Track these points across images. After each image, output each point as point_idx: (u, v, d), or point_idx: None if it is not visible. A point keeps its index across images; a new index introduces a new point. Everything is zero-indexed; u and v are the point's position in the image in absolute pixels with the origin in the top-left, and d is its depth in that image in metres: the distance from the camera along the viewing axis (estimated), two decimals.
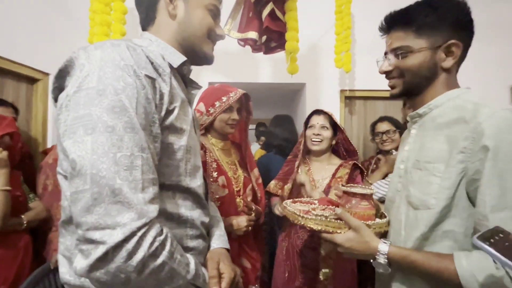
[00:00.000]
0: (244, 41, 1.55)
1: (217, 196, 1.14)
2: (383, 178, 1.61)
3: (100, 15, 1.32)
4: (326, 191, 1.30)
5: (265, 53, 1.65)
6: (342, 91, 2.33)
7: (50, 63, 1.89)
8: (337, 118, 2.29)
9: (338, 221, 0.72)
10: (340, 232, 0.69)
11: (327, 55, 2.17)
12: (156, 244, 0.47)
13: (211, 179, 1.14)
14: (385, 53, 0.73)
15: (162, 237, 0.49)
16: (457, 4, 0.66)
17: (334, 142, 1.39)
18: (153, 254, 0.47)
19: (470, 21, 0.67)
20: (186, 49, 0.64)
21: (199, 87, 0.71)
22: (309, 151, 1.42)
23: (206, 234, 0.69)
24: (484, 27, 2.19)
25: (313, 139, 1.33)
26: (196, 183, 0.64)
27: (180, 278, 0.52)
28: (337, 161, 1.39)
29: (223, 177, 1.16)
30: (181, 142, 0.59)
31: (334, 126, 1.37)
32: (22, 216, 1.27)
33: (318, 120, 1.34)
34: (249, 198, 1.27)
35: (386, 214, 0.78)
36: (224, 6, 0.77)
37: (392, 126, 1.69)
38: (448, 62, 0.66)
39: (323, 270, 1.25)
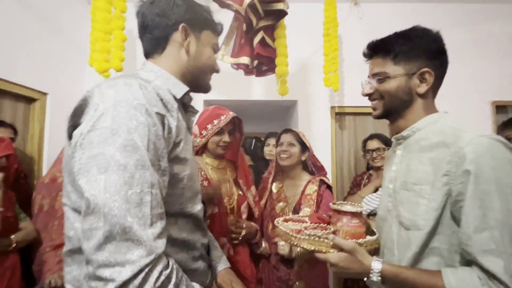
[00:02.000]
0: (237, 65, 1.63)
1: (207, 214, 1.18)
2: (374, 191, 1.67)
3: (101, 42, 1.38)
4: (297, 208, 1.38)
5: (257, 76, 1.73)
6: (332, 107, 2.42)
7: (48, 83, 1.94)
8: (328, 134, 2.40)
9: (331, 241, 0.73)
10: (333, 251, 0.70)
11: (316, 74, 2.26)
12: (162, 278, 0.48)
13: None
14: (368, 77, 0.79)
15: (168, 271, 0.50)
16: (431, 36, 0.72)
17: (303, 158, 1.47)
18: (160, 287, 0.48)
19: (443, 51, 0.73)
20: (190, 80, 0.69)
21: (196, 112, 0.75)
22: (282, 169, 1.51)
23: (206, 254, 0.73)
24: (467, 46, 2.35)
25: (281, 155, 1.44)
26: (197, 208, 0.67)
27: None
28: (307, 177, 1.48)
29: None
30: (185, 171, 0.62)
31: (303, 143, 1.47)
32: (12, 237, 1.28)
33: (285, 138, 1.46)
34: (244, 216, 1.31)
35: (375, 230, 0.81)
36: None
37: (382, 144, 1.76)
38: (422, 88, 0.71)
39: (297, 283, 1.29)
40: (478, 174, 0.59)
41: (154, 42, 0.68)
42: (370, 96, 0.78)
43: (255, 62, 1.58)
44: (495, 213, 0.58)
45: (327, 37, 1.97)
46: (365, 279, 0.69)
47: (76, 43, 2.12)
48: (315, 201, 1.37)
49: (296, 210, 1.38)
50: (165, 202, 0.57)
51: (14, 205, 1.38)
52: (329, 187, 1.44)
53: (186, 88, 0.67)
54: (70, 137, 0.55)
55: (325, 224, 0.86)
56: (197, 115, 0.84)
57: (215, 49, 0.73)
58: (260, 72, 1.71)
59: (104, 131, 0.49)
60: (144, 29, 0.68)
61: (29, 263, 1.39)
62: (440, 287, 0.60)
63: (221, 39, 1.70)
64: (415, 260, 0.67)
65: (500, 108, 2.35)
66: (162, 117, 0.57)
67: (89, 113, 0.52)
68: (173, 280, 0.51)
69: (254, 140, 2.79)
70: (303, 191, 1.42)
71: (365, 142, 1.89)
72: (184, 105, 0.71)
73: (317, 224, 0.87)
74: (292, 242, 0.76)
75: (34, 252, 1.38)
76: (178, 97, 0.65)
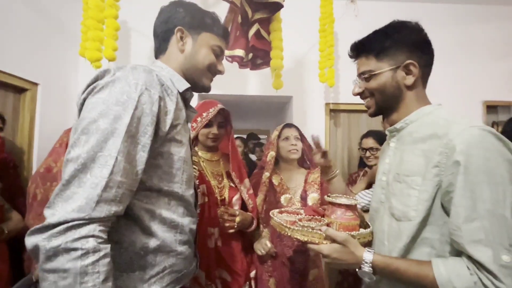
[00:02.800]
0: (232, 58, 1.62)
1: (198, 203, 1.18)
2: (367, 188, 1.68)
3: (93, 31, 1.36)
4: (303, 196, 1.41)
5: (251, 69, 1.73)
6: (327, 104, 2.43)
7: (39, 73, 1.90)
8: (322, 130, 2.41)
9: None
10: (326, 243, 0.71)
11: (312, 70, 2.27)
12: (77, 244, 0.47)
13: None
14: (357, 77, 0.80)
15: (89, 245, 0.48)
16: (409, 28, 0.74)
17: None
18: (67, 250, 0.47)
19: (425, 41, 0.74)
20: (188, 78, 0.76)
21: (195, 112, 0.82)
22: (278, 162, 1.52)
23: (193, 240, 0.75)
24: (460, 46, 2.38)
25: (291, 150, 1.46)
26: (189, 191, 0.71)
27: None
28: (302, 170, 1.53)
29: (205, 185, 1.21)
30: (181, 153, 0.68)
31: (303, 136, 1.51)
32: (2, 225, 1.26)
33: (291, 132, 1.48)
34: (236, 207, 1.31)
35: (369, 224, 0.81)
36: None
37: (377, 143, 1.76)
38: (409, 80, 0.72)
39: (312, 271, 1.31)
40: (468, 165, 0.59)
41: (159, 44, 0.78)
42: (361, 95, 0.80)
43: (250, 55, 1.58)
44: (485, 203, 0.58)
45: (323, 32, 1.97)
46: (357, 269, 0.69)
47: (69, 32, 2.09)
48: (320, 185, 1.43)
49: (303, 198, 1.41)
50: (161, 178, 0.63)
51: None
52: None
53: (187, 85, 0.74)
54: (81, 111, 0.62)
55: (320, 217, 0.86)
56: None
57: (216, 51, 0.78)
58: (255, 65, 1.71)
59: (97, 100, 0.57)
60: (155, 36, 0.78)
61: (18, 253, 1.37)
62: (430, 277, 0.60)
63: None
64: (406, 250, 0.68)
65: (490, 108, 2.39)
66: (159, 99, 0.62)
67: (96, 87, 0.59)
68: (88, 260, 0.48)
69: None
70: (305, 180, 1.46)
71: (361, 139, 1.89)
72: (186, 100, 0.76)
73: (312, 216, 0.88)
74: (286, 233, 0.77)
75: (23, 242, 1.36)
76: (180, 90, 0.72)
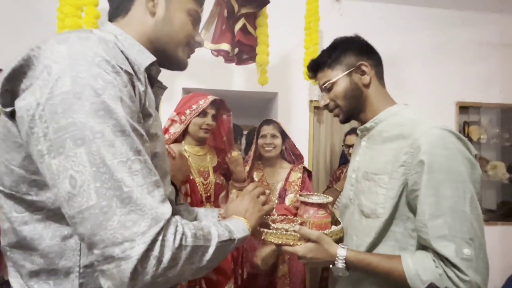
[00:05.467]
0: (217, 52, 1.61)
1: (180, 196, 1.17)
2: None
3: (71, 18, 1.29)
4: (281, 193, 1.44)
5: (237, 64, 1.72)
6: (311, 101, 2.47)
7: (11, 61, 1.79)
8: (306, 127, 2.45)
9: (298, 234, 0.73)
10: (300, 244, 0.72)
11: (297, 67, 2.29)
12: (178, 237, 0.46)
13: None
14: (321, 91, 0.86)
15: (180, 228, 0.47)
16: (353, 38, 0.83)
17: (283, 147, 1.54)
18: (179, 247, 0.45)
19: (368, 45, 0.82)
20: (158, 48, 0.60)
21: (164, 88, 0.66)
22: (261, 157, 1.55)
23: None
24: (433, 50, 2.49)
25: (266, 148, 1.48)
26: (167, 190, 0.63)
27: (210, 248, 0.51)
28: (286, 165, 1.55)
29: (187, 185, 1.19)
30: (156, 149, 0.57)
31: (283, 132, 1.52)
32: None
33: (268, 130, 1.49)
34: (222, 206, 1.30)
35: (340, 220, 0.84)
36: None
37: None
38: (366, 79, 0.78)
39: (281, 267, 1.34)
40: (431, 164, 0.62)
41: (118, 2, 0.59)
42: (328, 108, 0.84)
43: (236, 49, 1.57)
44: (447, 200, 0.61)
45: (308, 30, 1.99)
46: (331, 266, 0.71)
47: (46, 24, 1.97)
48: (299, 187, 1.45)
49: (281, 196, 1.44)
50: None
51: None
52: (309, 174, 1.52)
53: (153, 58, 0.57)
54: (4, 105, 0.46)
55: (292, 216, 0.87)
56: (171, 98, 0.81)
57: (194, 16, 0.62)
58: (240, 60, 1.71)
59: (65, 96, 0.41)
60: None
61: None
62: (400, 270, 0.64)
63: (201, 23, 1.68)
64: (373, 245, 0.71)
65: (462, 108, 2.54)
66: (131, 77, 0.48)
67: (40, 78, 0.42)
68: (189, 232, 0.48)
69: None
70: (287, 178, 1.48)
71: (345, 136, 1.95)
72: (151, 78, 0.60)
73: (284, 216, 0.88)
74: (259, 237, 0.76)
75: None
76: (143, 67, 0.55)
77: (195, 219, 0.85)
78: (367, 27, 2.41)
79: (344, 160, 2.32)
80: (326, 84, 0.81)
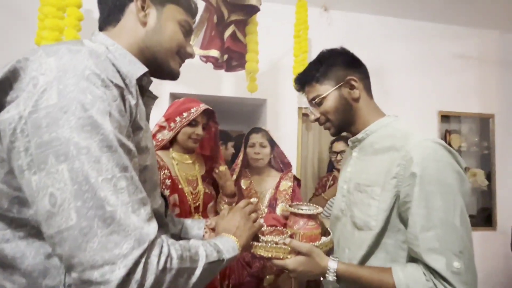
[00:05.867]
0: (206, 58, 1.59)
1: (169, 207, 1.12)
2: None
3: (52, 19, 1.23)
4: (272, 203, 1.42)
5: (226, 70, 1.71)
6: (299, 108, 2.48)
7: None
8: (295, 134, 2.46)
9: (288, 247, 0.72)
10: (291, 257, 0.71)
11: (286, 75, 2.30)
12: (163, 259, 0.43)
13: None
14: (310, 105, 0.85)
15: (166, 249, 0.45)
16: (339, 51, 0.82)
17: (272, 156, 1.53)
18: (164, 270, 0.43)
19: (355, 58, 0.82)
20: (149, 58, 0.60)
21: (155, 97, 0.66)
22: (248, 165, 1.53)
23: None
24: (416, 61, 2.58)
25: (254, 157, 1.46)
26: (157, 203, 0.62)
27: (196, 269, 0.49)
28: (274, 173, 1.53)
29: (176, 195, 1.14)
30: (146, 162, 0.56)
31: (271, 141, 1.51)
32: None
33: (257, 139, 1.48)
34: (211, 216, 1.27)
35: (330, 230, 0.83)
36: None
37: (347, 147, 1.84)
38: (355, 94, 0.78)
39: (268, 277, 1.32)
40: (423, 176, 0.63)
41: (108, 12, 0.58)
42: (318, 121, 0.83)
43: (225, 56, 1.56)
44: (438, 212, 0.62)
45: (298, 38, 2.01)
46: (321, 278, 0.70)
47: (25, 24, 1.88)
48: (290, 196, 1.44)
49: (272, 206, 1.41)
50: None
51: None
52: (299, 182, 1.52)
53: (144, 68, 0.57)
54: None
55: (281, 227, 0.85)
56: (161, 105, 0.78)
57: (185, 27, 0.63)
58: (229, 67, 1.69)
59: (51, 110, 0.40)
60: (103, 2, 0.60)
61: None
62: (391, 284, 0.63)
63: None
64: (365, 258, 0.71)
65: (444, 117, 2.63)
66: (121, 90, 0.47)
67: (26, 90, 0.41)
68: (175, 254, 0.46)
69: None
70: (277, 187, 1.46)
71: (332, 142, 1.96)
72: (142, 89, 0.60)
73: (274, 227, 0.86)
74: (249, 250, 0.73)
75: None
76: (135, 78, 0.55)
77: (181, 230, 0.82)
78: (353, 37, 2.49)
79: (331, 167, 2.33)
80: (316, 100, 0.80)
